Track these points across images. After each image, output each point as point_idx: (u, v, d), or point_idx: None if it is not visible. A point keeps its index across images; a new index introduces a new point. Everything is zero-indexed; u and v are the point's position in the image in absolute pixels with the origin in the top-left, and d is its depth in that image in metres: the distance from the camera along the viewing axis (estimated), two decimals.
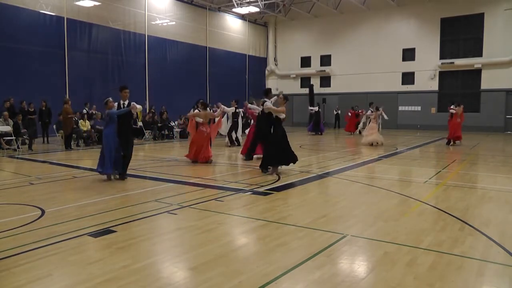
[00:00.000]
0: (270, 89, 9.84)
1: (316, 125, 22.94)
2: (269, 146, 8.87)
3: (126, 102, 8.25)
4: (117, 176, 8.25)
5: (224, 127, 15.57)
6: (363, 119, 15.92)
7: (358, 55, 29.06)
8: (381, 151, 13.98)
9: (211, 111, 12.68)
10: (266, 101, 9.18)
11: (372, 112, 16.58)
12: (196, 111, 11.95)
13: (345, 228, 4.92)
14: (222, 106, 14.67)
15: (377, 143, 15.68)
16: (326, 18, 30.38)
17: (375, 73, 28.54)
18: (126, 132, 8.26)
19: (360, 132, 16.63)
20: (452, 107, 16.75)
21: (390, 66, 27.97)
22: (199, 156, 10.62)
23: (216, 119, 11.85)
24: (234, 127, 15.85)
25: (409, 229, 4.90)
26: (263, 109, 9.22)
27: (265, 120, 9.10)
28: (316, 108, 23.67)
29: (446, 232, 4.79)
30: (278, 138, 8.73)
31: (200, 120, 10.84)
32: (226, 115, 15.51)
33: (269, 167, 8.95)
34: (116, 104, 8.30)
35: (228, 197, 6.70)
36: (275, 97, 10.18)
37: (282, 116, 8.75)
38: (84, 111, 17.47)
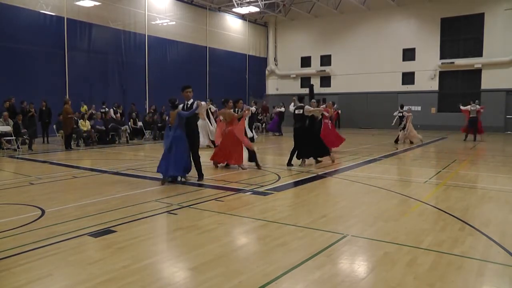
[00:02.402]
0: (303, 96, 10.98)
1: (279, 125, 22.27)
2: (314, 141, 10.22)
3: (190, 102, 7.94)
4: (169, 179, 7.76)
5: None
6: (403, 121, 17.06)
7: (358, 55, 29.05)
8: (381, 151, 13.97)
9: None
10: (302, 105, 10.25)
11: (405, 113, 17.13)
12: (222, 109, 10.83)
13: (345, 228, 4.92)
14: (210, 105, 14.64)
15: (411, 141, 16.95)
16: (326, 18, 30.38)
17: (375, 73, 28.53)
18: (193, 132, 8.12)
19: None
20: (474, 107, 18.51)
21: (390, 66, 27.96)
22: (231, 158, 9.68)
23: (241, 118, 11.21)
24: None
25: (409, 229, 4.90)
26: (303, 112, 10.10)
27: (305, 121, 10.21)
28: (282, 109, 22.94)
29: (446, 232, 4.78)
30: (318, 133, 10.59)
31: (221, 118, 10.23)
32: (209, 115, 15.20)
33: (305, 159, 10.25)
34: (181, 105, 7.91)
35: (228, 197, 6.70)
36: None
37: (319, 115, 10.72)
38: (102, 110, 17.65)
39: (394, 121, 17.87)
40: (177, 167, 7.64)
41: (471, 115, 18.15)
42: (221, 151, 9.84)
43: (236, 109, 10.29)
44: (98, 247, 4.26)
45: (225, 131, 9.84)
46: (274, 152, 14.35)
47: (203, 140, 14.30)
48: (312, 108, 10.33)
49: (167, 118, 7.91)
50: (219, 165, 9.98)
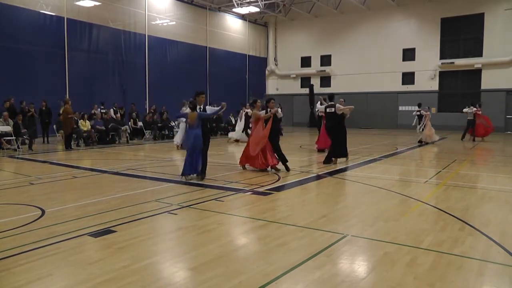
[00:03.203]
0: (333, 94, 11.40)
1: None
2: (341, 140, 10.72)
3: (202, 107, 8.54)
4: (194, 176, 8.38)
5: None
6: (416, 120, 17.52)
7: (358, 55, 29.06)
8: (381, 151, 13.97)
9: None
10: (333, 104, 10.82)
11: (422, 112, 17.38)
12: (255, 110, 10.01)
13: (345, 228, 4.92)
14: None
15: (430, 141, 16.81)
16: (326, 18, 30.38)
17: (375, 73, 28.53)
18: (207, 133, 8.70)
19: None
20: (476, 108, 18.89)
21: (390, 66, 27.96)
22: (254, 161, 9.26)
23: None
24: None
25: (409, 229, 4.90)
26: (334, 110, 10.67)
27: (337, 119, 10.78)
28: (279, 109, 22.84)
29: (446, 232, 4.78)
30: (345, 133, 10.88)
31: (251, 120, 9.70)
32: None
33: (332, 158, 10.64)
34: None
35: (228, 197, 6.70)
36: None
37: (348, 114, 10.97)
38: (100, 110, 17.59)
39: (414, 121, 17.95)
40: (194, 166, 8.26)
41: (468, 118, 18.81)
42: (246, 153, 9.50)
43: (268, 110, 9.63)
44: (98, 247, 4.26)
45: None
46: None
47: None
48: (342, 107, 10.78)
49: (185, 119, 8.45)
50: (247, 167, 9.59)
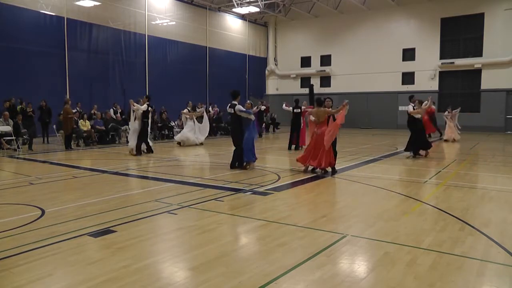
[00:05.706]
0: (412, 96, 12.69)
1: (259, 127, 20.57)
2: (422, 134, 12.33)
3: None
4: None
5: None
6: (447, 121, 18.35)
7: (358, 55, 29.06)
8: (381, 151, 13.97)
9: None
10: (413, 105, 12.35)
11: (448, 112, 18.36)
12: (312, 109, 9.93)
13: (345, 228, 4.92)
14: (135, 104, 12.78)
15: (454, 139, 17.82)
16: (326, 18, 30.38)
17: (375, 73, 28.53)
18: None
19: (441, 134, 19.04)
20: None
21: (390, 66, 27.96)
22: (319, 161, 8.98)
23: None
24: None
25: (409, 229, 4.90)
26: (414, 109, 12.13)
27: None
28: (262, 108, 20.90)
29: (447, 232, 4.78)
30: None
31: (312, 118, 9.42)
32: (134, 114, 12.99)
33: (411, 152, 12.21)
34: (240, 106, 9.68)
35: (228, 197, 6.70)
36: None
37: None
38: (75, 110, 16.95)
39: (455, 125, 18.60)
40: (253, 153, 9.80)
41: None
42: (310, 153, 9.19)
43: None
44: (98, 247, 4.26)
45: (316, 133, 9.18)
46: (274, 152, 14.34)
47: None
48: (423, 107, 12.52)
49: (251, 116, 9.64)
50: (308, 168, 9.32)
